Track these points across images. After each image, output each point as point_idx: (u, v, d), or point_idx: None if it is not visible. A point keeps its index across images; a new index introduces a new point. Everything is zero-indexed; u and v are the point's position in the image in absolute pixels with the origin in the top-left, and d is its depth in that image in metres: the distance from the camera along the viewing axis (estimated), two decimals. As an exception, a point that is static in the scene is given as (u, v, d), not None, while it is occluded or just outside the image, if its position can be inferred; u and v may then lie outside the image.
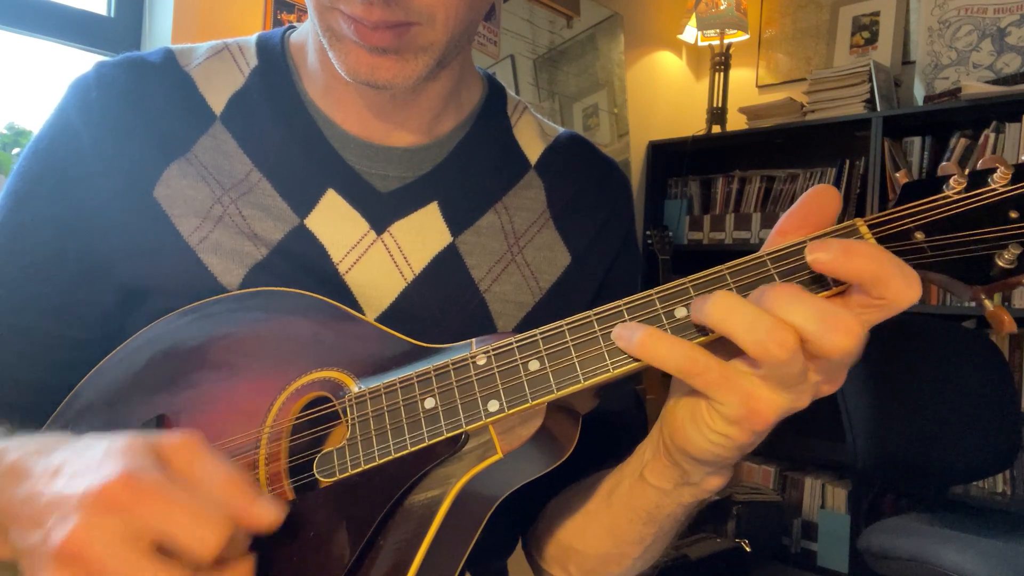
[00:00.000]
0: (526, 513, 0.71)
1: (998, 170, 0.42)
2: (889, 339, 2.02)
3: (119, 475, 0.40)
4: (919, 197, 0.44)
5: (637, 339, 0.44)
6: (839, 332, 0.40)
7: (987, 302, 0.43)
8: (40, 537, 0.40)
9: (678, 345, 0.43)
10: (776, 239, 0.46)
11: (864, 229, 0.44)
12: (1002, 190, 0.42)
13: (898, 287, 0.40)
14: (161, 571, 0.39)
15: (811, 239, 0.44)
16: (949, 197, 0.43)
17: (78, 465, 0.42)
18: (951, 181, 0.43)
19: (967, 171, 0.43)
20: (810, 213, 0.45)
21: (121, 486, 0.40)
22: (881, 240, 0.43)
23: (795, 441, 2.79)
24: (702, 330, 0.44)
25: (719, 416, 0.44)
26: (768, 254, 0.45)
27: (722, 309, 0.42)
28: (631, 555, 0.59)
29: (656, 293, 0.46)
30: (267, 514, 0.43)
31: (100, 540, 0.38)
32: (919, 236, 0.43)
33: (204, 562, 0.40)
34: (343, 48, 0.58)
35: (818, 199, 0.45)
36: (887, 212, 0.44)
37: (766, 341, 0.40)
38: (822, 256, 0.41)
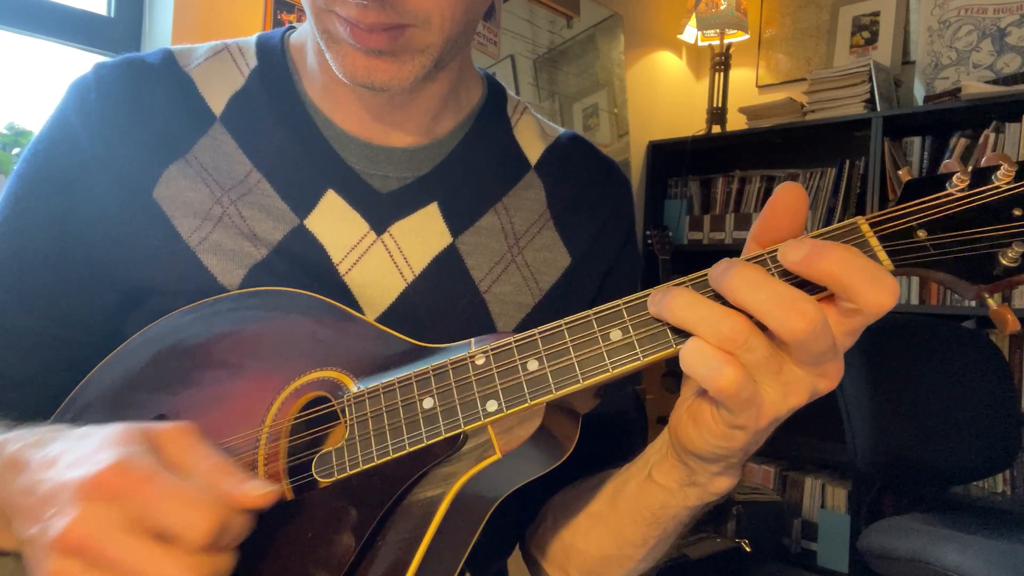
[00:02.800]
0: (526, 513, 0.70)
1: (1001, 167, 0.41)
2: (889, 339, 2.02)
3: (112, 463, 0.40)
4: (921, 195, 0.43)
5: (686, 350, 0.43)
6: (791, 314, 0.40)
7: (990, 301, 0.42)
8: (41, 529, 0.41)
9: (734, 370, 0.41)
10: (752, 245, 0.46)
11: (866, 228, 0.44)
12: (1005, 188, 0.42)
13: (868, 292, 0.40)
14: (161, 556, 0.39)
15: (812, 237, 0.44)
16: (952, 195, 0.43)
17: (74, 455, 0.43)
18: (954, 179, 0.43)
19: (970, 168, 0.43)
20: (778, 214, 0.45)
21: (114, 474, 0.40)
22: (883, 239, 0.43)
23: (795, 441, 2.79)
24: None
25: (723, 421, 0.44)
26: (768, 252, 0.44)
27: (679, 304, 0.42)
28: (633, 557, 0.58)
29: None
30: (257, 493, 0.43)
31: (98, 529, 0.39)
32: (921, 234, 0.43)
33: (198, 546, 0.40)
34: (339, 50, 0.58)
35: (784, 200, 0.45)
36: (889, 210, 0.44)
37: (720, 327, 0.41)
38: (792, 256, 0.42)
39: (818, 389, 0.43)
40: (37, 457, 0.45)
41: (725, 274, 0.42)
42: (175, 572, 0.39)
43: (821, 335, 0.40)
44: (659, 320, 0.45)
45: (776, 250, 0.44)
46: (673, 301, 0.43)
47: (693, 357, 0.42)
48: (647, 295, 0.46)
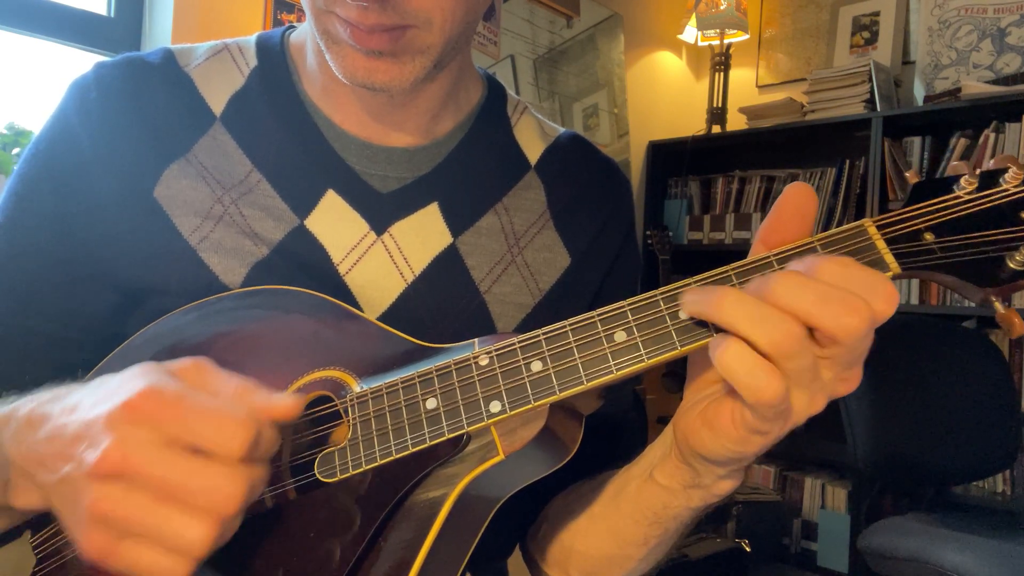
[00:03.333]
0: (526, 514, 0.70)
1: (1010, 170, 0.41)
2: (889, 339, 2.01)
3: (142, 390, 0.41)
4: (929, 197, 0.43)
5: (728, 354, 0.41)
6: (847, 310, 0.39)
7: (997, 304, 0.42)
8: (75, 464, 0.41)
9: (780, 382, 0.40)
10: (759, 247, 0.46)
11: (872, 230, 0.44)
12: (1014, 191, 0.41)
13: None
14: (203, 468, 0.40)
15: (818, 239, 0.44)
16: (960, 197, 0.43)
17: (96, 397, 0.43)
18: (962, 181, 0.43)
19: (978, 171, 0.43)
20: (786, 216, 0.45)
21: (145, 398, 0.41)
22: (890, 241, 0.43)
23: (795, 441, 2.78)
24: (704, 328, 0.44)
25: (746, 427, 0.43)
26: (775, 254, 0.44)
27: (731, 304, 0.41)
28: (634, 557, 0.58)
29: (660, 294, 0.46)
30: (285, 405, 0.44)
31: (137, 450, 0.40)
32: (929, 237, 0.43)
33: (236, 457, 0.41)
34: (340, 51, 0.58)
35: (793, 201, 0.45)
36: (896, 212, 0.44)
37: (774, 333, 0.39)
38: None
39: (836, 392, 0.43)
40: (56, 409, 0.45)
41: (766, 284, 0.40)
42: (219, 482, 0.40)
43: (870, 332, 0.40)
44: (674, 320, 0.44)
45: (782, 251, 0.44)
46: (724, 299, 0.41)
47: (736, 362, 0.40)
48: (653, 296, 0.46)
